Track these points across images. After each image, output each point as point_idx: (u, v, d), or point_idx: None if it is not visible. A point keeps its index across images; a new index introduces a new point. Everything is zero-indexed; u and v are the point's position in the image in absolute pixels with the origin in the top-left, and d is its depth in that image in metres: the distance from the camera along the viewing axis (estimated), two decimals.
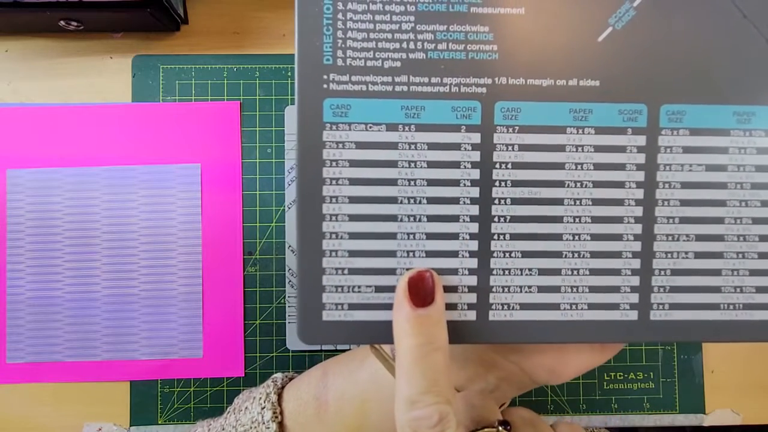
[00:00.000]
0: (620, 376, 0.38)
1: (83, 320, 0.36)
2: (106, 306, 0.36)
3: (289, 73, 0.37)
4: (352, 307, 0.21)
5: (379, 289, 0.21)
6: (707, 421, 0.38)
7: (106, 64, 0.37)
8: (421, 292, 0.20)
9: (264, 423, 0.26)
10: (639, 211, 0.22)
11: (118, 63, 0.37)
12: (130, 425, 0.36)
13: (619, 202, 0.22)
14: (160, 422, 0.36)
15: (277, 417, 0.27)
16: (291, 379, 0.29)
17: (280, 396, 0.28)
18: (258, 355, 0.37)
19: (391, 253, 0.21)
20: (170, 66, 0.37)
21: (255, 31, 0.38)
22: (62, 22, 0.34)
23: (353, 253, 0.21)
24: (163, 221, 0.36)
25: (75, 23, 0.35)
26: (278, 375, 0.30)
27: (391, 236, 0.21)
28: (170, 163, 0.36)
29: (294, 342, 0.37)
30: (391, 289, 0.21)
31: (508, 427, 0.21)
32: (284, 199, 0.37)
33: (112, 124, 0.36)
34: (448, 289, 0.21)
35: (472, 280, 0.21)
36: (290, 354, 0.37)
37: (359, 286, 0.21)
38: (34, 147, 0.36)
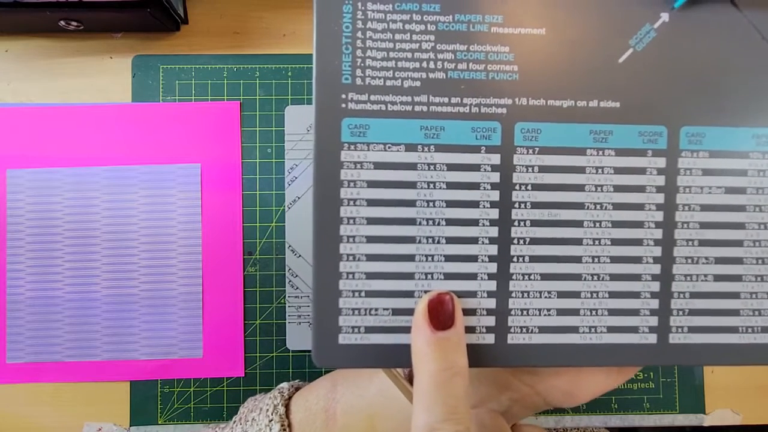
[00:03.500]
0: None
1: (83, 320, 0.36)
2: (106, 306, 0.36)
3: (290, 73, 0.37)
4: (369, 330, 0.21)
5: (397, 311, 0.21)
6: (707, 421, 0.38)
7: (106, 64, 0.37)
8: (440, 316, 0.20)
9: None
10: (659, 234, 0.21)
11: (118, 63, 0.37)
12: (130, 425, 0.36)
13: (638, 225, 0.21)
14: (160, 422, 0.36)
15: (285, 429, 0.26)
16: (297, 389, 0.29)
17: (287, 407, 0.28)
18: (258, 355, 0.37)
19: (409, 276, 0.21)
20: (170, 66, 0.37)
21: (255, 31, 0.38)
22: (62, 22, 0.34)
23: (370, 276, 0.21)
24: (163, 221, 0.36)
25: (75, 23, 0.34)
26: (284, 385, 0.29)
27: (410, 258, 0.21)
28: (170, 163, 0.36)
29: (294, 342, 0.37)
30: (409, 312, 0.21)
31: None
32: (284, 199, 0.37)
33: (112, 124, 0.36)
34: (466, 311, 0.21)
35: (491, 303, 0.21)
36: (290, 354, 0.37)
37: (376, 309, 0.21)
38: (34, 147, 0.36)
